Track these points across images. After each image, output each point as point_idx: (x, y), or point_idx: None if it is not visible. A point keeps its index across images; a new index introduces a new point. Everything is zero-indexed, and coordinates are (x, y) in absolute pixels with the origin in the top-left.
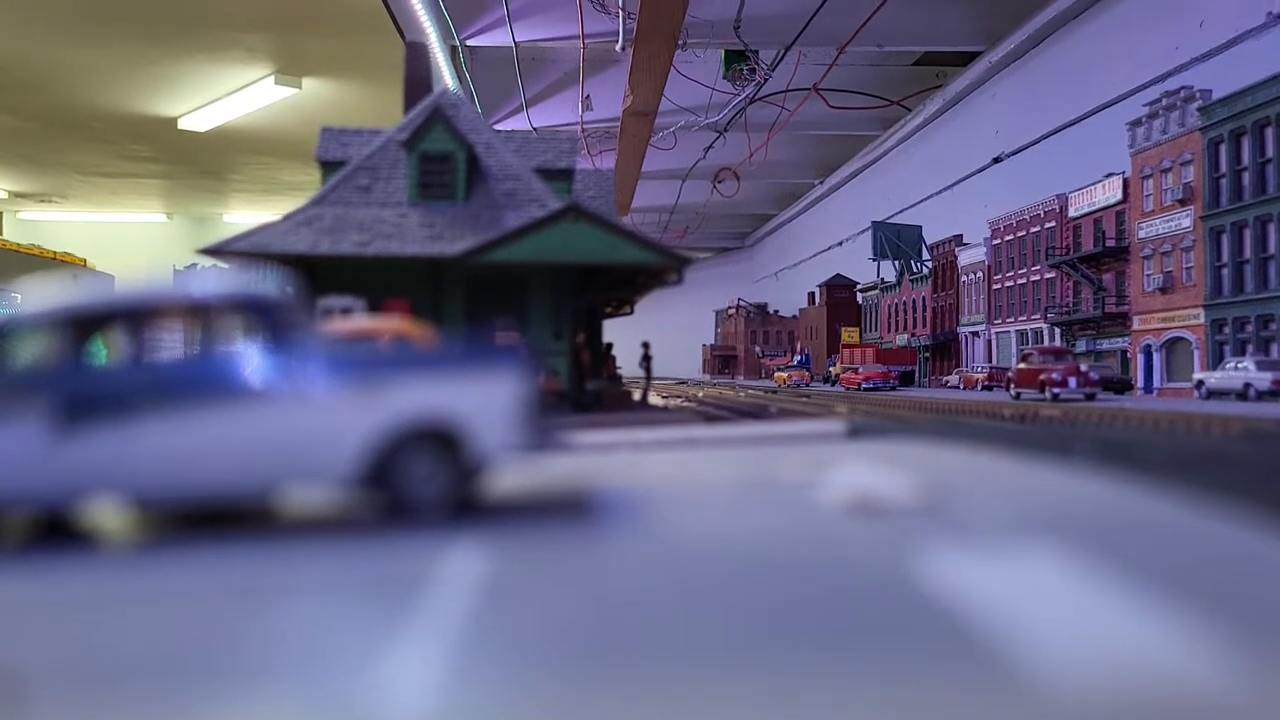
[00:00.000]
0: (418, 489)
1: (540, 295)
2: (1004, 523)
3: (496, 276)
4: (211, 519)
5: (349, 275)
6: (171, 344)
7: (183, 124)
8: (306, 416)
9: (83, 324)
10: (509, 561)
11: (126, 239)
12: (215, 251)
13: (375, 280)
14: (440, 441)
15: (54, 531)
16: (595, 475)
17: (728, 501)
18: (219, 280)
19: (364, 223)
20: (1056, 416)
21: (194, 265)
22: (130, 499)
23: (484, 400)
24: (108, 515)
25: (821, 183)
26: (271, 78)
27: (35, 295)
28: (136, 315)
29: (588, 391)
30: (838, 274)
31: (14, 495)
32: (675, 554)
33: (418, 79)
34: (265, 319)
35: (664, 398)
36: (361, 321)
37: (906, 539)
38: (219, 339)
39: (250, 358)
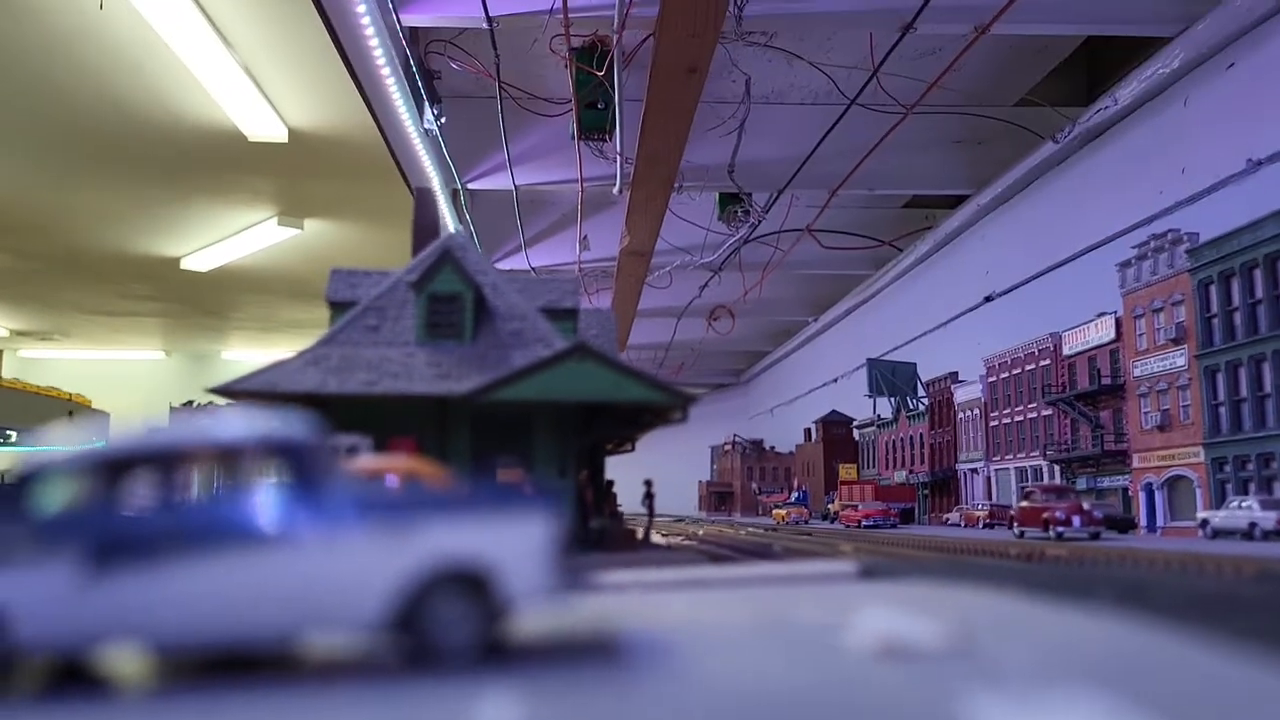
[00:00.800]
0: (446, 634)
1: (545, 434)
2: (1036, 668)
3: (502, 415)
4: (232, 664)
5: (356, 414)
6: (200, 487)
7: (185, 264)
8: (334, 560)
9: (113, 468)
10: (540, 708)
11: (125, 376)
12: (224, 391)
13: (382, 419)
14: (469, 585)
15: (70, 677)
16: (612, 617)
17: (753, 644)
18: (247, 422)
19: (372, 362)
20: (1064, 556)
21: (191, 402)
22: (154, 644)
23: (514, 543)
24: (127, 660)
25: (815, 320)
26: (274, 219)
27: (65, 439)
28: (166, 459)
29: (591, 530)
30: (834, 410)
31: (42, 640)
32: (708, 699)
33: (426, 223)
34: (293, 461)
35: (664, 535)
36: (374, 460)
37: (940, 684)
38: (247, 481)
39: (278, 500)
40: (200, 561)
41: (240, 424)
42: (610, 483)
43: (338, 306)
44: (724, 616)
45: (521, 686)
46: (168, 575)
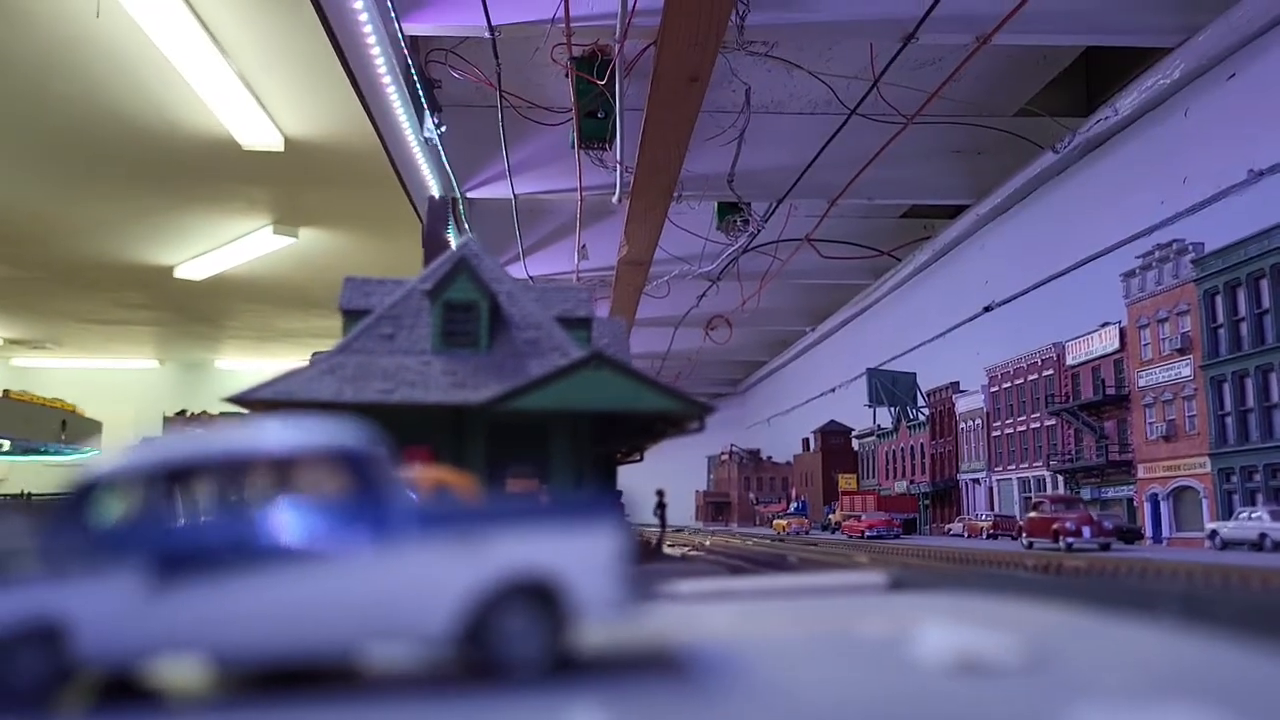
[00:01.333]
0: (514, 647)
1: (561, 443)
2: (1121, 682)
3: (518, 424)
4: (296, 677)
5: (371, 423)
6: (260, 497)
7: (179, 273)
8: (399, 572)
9: (172, 478)
10: None
11: (117, 385)
12: (238, 400)
13: (398, 428)
14: (538, 597)
15: (128, 690)
16: (671, 629)
17: (818, 657)
18: (305, 430)
19: (387, 370)
20: (1083, 568)
21: (184, 411)
22: (216, 657)
23: (584, 554)
24: (189, 673)
25: (813, 330)
26: (269, 228)
27: (124, 449)
28: (225, 469)
29: None
30: (832, 420)
31: (105, 653)
32: (794, 712)
33: (437, 231)
34: (355, 471)
35: (671, 546)
36: (404, 470)
37: (1029, 700)
38: (308, 492)
39: (341, 511)
40: (263, 574)
41: (298, 432)
42: (620, 493)
43: (351, 314)
44: (774, 628)
45: (596, 701)
46: (230, 588)
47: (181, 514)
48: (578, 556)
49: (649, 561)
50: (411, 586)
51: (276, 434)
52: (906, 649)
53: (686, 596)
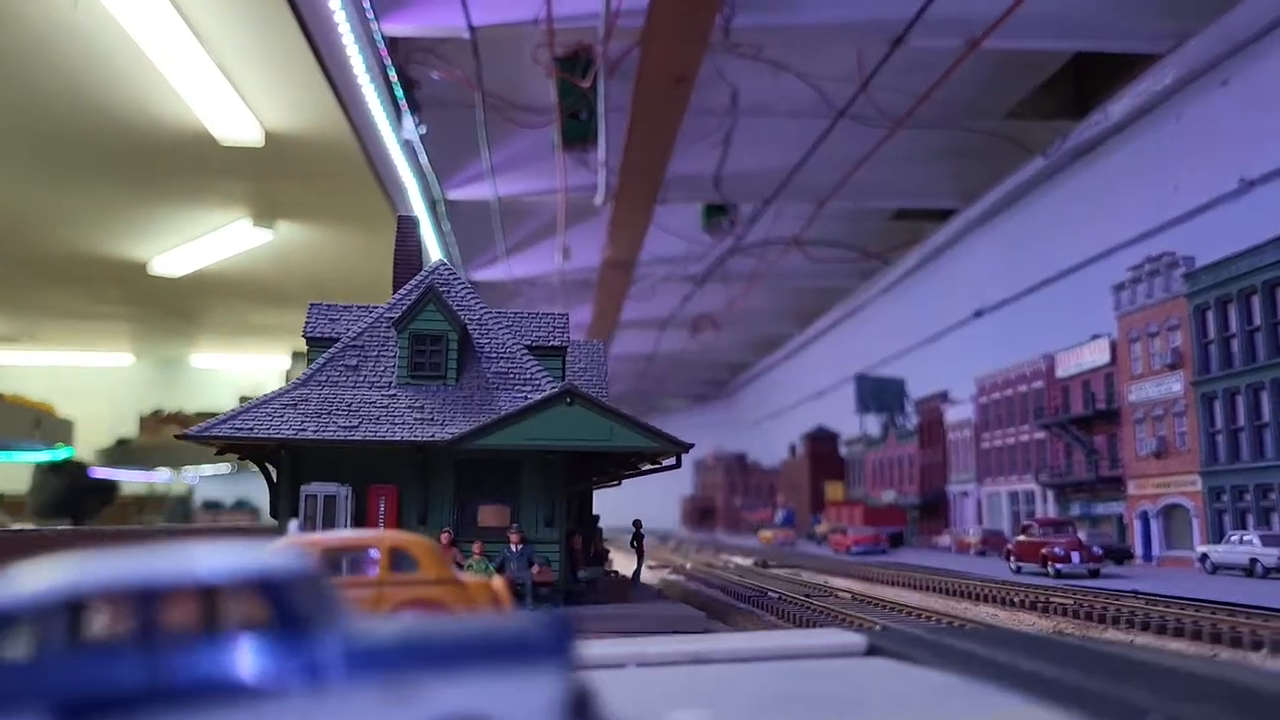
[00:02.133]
0: None
1: (532, 480)
2: None
3: (488, 461)
4: None
5: (335, 459)
6: (175, 632)
7: (155, 267)
8: (324, 718)
9: (76, 610)
10: None
11: (91, 382)
12: (197, 437)
13: (362, 464)
14: None
15: None
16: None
17: None
18: (230, 557)
19: (351, 405)
20: (1083, 607)
21: (159, 411)
22: None
23: (525, 696)
24: None
25: (800, 333)
26: (247, 221)
27: (25, 578)
28: (138, 600)
29: (580, 580)
30: (819, 425)
31: None
32: None
33: (408, 251)
34: (282, 602)
35: (650, 567)
36: (355, 534)
37: None
38: (230, 626)
39: (264, 648)
40: (176, 718)
41: (221, 558)
42: (595, 517)
43: (316, 342)
44: None
45: None
46: None
47: (88, 652)
48: (518, 700)
49: (626, 601)
50: None
51: (196, 560)
52: None
53: (633, 660)
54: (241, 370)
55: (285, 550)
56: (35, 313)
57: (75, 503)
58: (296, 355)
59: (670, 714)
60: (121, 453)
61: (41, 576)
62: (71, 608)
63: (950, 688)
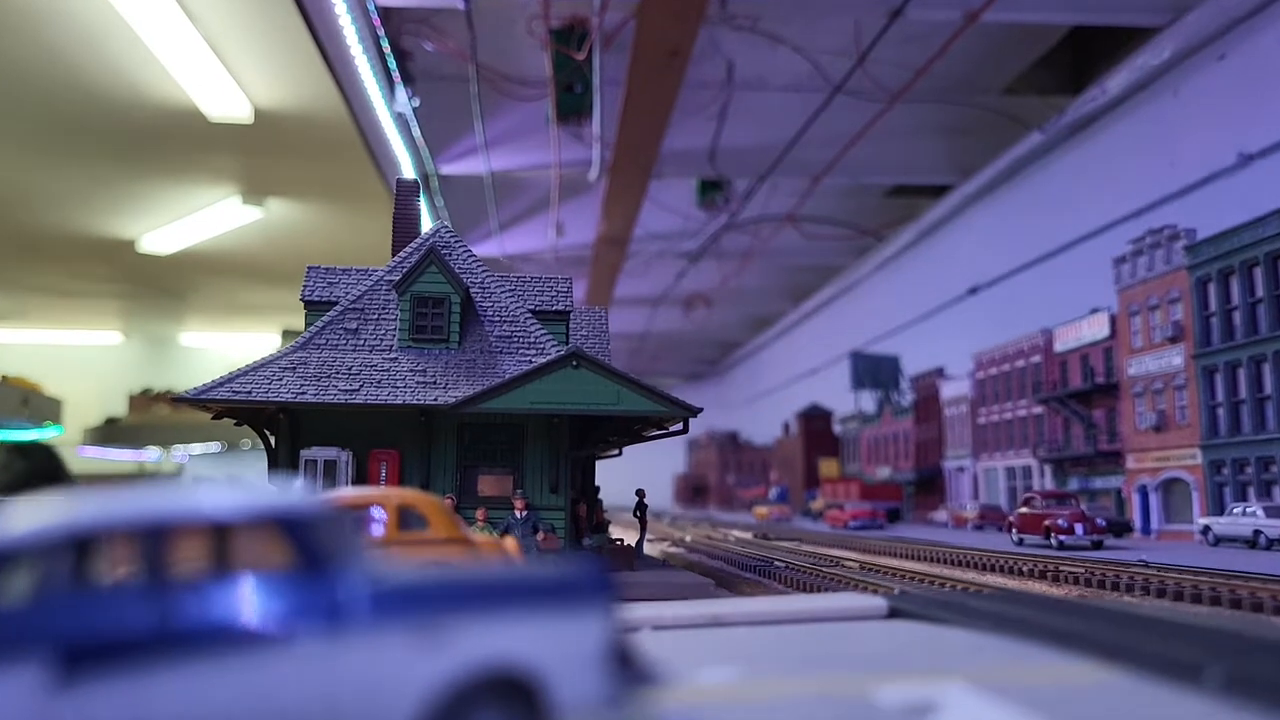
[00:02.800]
0: None
1: (537, 446)
2: None
3: (492, 426)
4: None
5: (335, 424)
6: (186, 573)
7: (144, 245)
8: (348, 663)
9: (82, 549)
10: None
11: (80, 360)
12: (193, 400)
13: (363, 429)
14: (512, 696)
15: None
16: (653, 700)
17: None
18: (241, 493)
19: (352, 368)
20: (1095, 576)
21: (148, 390)
22: None
23: (566, 643)
24: None
25: (794, 310)
26: (237, 198)
27: (26, 515)
28: (147, 538)
29: (586, 548)
30: (814, 403)
31: None
32: None
33: (407, 216)
34: (299, 541)
35: (649, 540)
36: (362, 491)
37: None
38: (245, 567)
39: (282, 590)
40: (188, 667)
41: (233, 495)
42: (597, 489)
43: (314, 306)
44: (782, 689)
45: None
46: (149, 684)
47: (93, 595)
48: (559, 646)
49: (632, 570)
50: (362, 683)
51: (207, 496)
52: None
53: (650, 624)
54: (231, 349)
55: (304, 490)
56: (23, 291)
57: (40, 484)
58: (287, 334)
59: (698, 671)
60: (110, 431)
61: (44, 514)
62: (76, 547)
63: (983, 645)
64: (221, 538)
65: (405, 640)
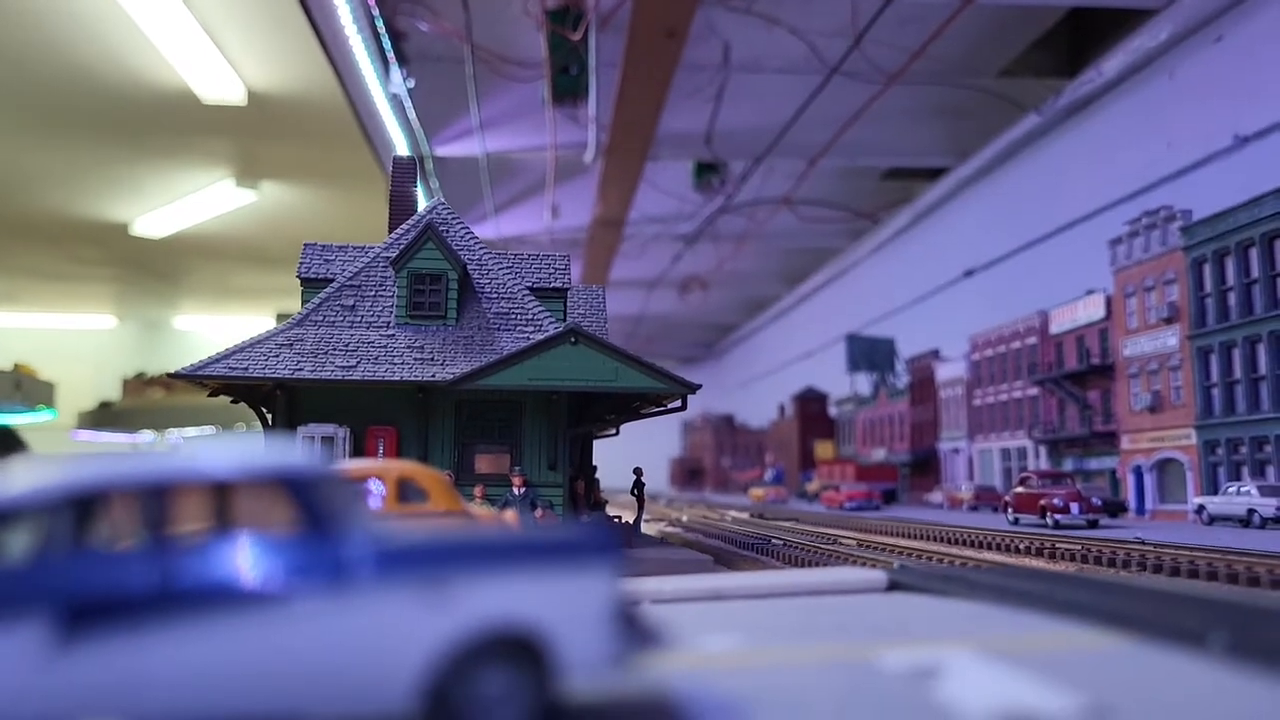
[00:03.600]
0: (490, 713)
1: (535, 423)
2: None
3: (490, 403)
4: None
5: (332, 400)
6: (187, 532)
7: (137, 228)
8: (352, 624)
9: (83, 508)
10: None
11: (73, 344)
12: (189, 376)
13: (360, 406)
14: (519, 655)
15: None
16: (655, 669)
17: (837, 704)
18: (243, 452)
19: (349, 344)
20: (1092, 553)
21: (141, 374)
22: None
23: (573, 602)
24: None
25: (789, 293)
26: (230, 181)
27: (27, 475)
28: (147, 497)
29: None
30: (808, 386)
31: None
32: None
33: (404, 193)
34: (302, 500)
35: (646, 520)
36: (361, 463)
37: None
38: (247, 526)
39: (284, 549)
40: (191, 626)
41: (235, 454)
42: (594, 468)
43: (310, 283)
44: (783, 658)
45: None
46: (151, 643)
47: (94, 554)
48: (565, 605)
49: (630, 547)
50: (367, 642)
51: (209, 456)
52: (939, 691)
53: (650, 598)
54: (225, 333)
55: (301, 450)
56: (16, 274)
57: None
58: (281, 317)
59: (701, 638)
60: (104, 415)
61: (45, 473)
62: (77, 505)
63: (985, 615)
64: (224, 497)
65: (411, 599)
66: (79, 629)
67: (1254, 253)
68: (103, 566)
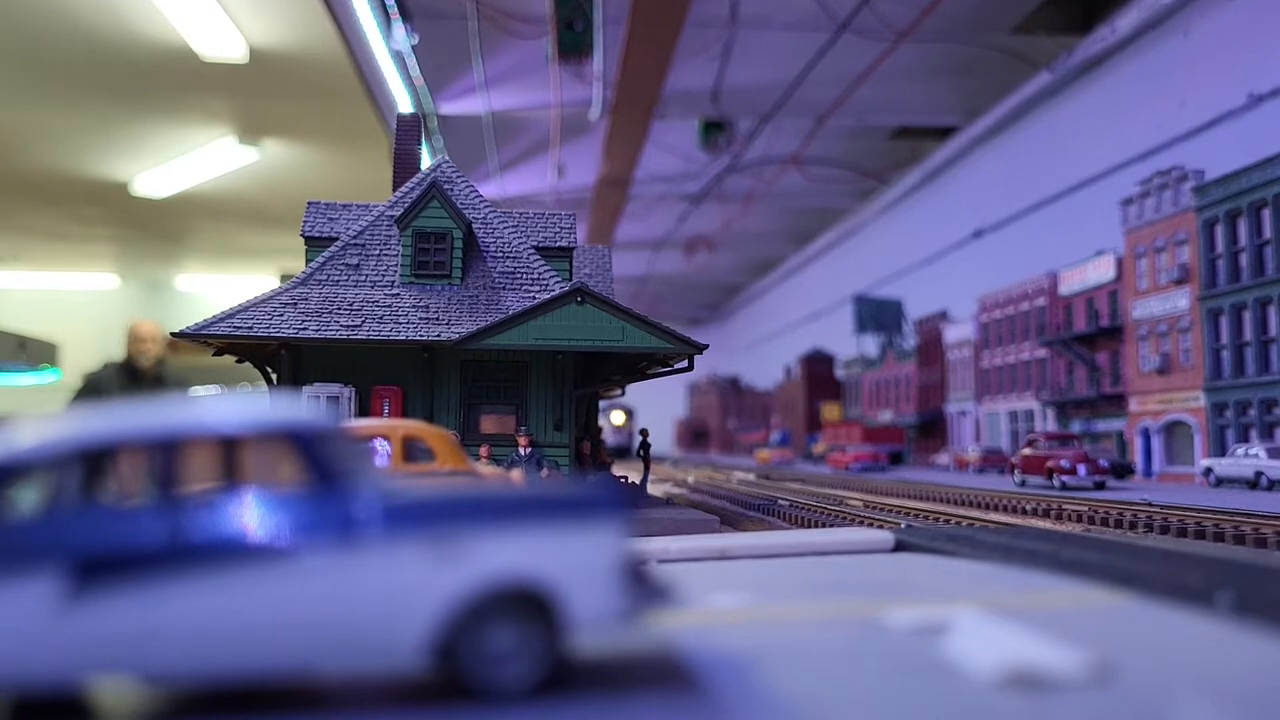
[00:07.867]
0: (498, 666)
1: (541, 383)
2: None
3: (495, 363)
4: (240, 700)
5: (337, 360)
6: (196, 486)
7: (137, 186)
8: (362, 578)
9: (93, 462)
10: None
11: (75, 304)
12: (192, 335)
13: (365, 365)
14: (527, 609)
15: (42, 714)
16: (662, 627)
17: (848, 663)
18: (251, 408)
19: (354, 304)
20: (1099, 514)
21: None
22: (144, 678)
23: (582, 557)
24: (108, 697)
25: (797, 254)
26: (232, 139)
27: (36, 429)
28: (157, 451)
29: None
30: (816, 348)
31: (12, 676)
32: None
33: (408, 152)
34: (310, 455)
35: (652, 482)
36: (367, 423)
37: None
38: (256, 480)
39: (294, 504)
40: (201, 579)
41: (243, 409)
42: (599, 429)
43: (314, 242)
44: (789, 615)
45: None
46: (162, 595)
47: (104, 507)
48: (574, 560)
49: (635, 507)
50: (376, 597)
51: (218, 411)
52: (946, 647)
53: (658, 557)
54: (228, 292)
55: (308, 407)
56: (17, 234)
57: None
58: (285, 277)
59: (708, 596)
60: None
61: (53, 428)
62: (86, 460)
63: (992, 574)
64: (233, 452)
65: (419, 554)
66: (89, 583)
67: (1266, 213)
68: (112, 521)
